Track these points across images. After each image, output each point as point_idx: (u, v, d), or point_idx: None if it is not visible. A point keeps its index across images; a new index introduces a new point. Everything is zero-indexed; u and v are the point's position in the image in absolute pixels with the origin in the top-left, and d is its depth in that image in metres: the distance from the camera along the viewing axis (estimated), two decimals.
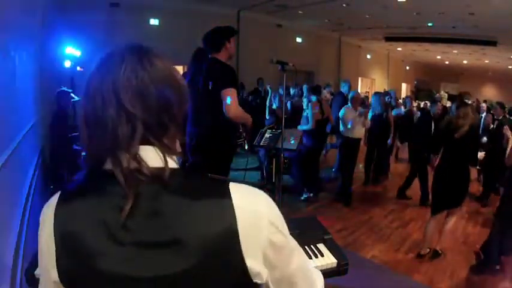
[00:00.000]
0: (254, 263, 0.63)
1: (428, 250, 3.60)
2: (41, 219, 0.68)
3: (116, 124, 0.61)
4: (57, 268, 0.64)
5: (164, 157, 0.63)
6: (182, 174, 0.65)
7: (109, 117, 0.62)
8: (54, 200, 0.67)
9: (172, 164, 0.64)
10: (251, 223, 0.63)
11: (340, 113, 5.25)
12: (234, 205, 0.63)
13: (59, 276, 0.64)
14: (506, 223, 3.26)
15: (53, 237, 0.64)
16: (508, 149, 3.58)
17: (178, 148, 0.70)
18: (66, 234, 0.63)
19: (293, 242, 0.72)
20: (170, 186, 0.61)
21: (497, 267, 3.34)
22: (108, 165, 0.63)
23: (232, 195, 0.64)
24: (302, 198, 5.19)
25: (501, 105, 6.33)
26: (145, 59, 0.66)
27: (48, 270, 0.66)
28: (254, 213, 0.64)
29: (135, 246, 0.60)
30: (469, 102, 3.36)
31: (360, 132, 5.29)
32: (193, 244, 0.59)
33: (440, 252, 3.60)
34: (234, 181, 0.67)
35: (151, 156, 0.63)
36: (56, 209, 0.65)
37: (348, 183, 5.30)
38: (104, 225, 0.60)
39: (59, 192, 0.68)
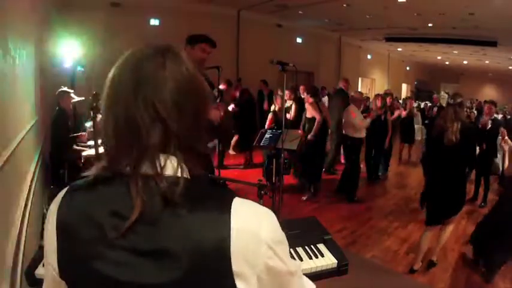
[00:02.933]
0: (245, 286, 0.61)
1: (421, 264, 3.41)
2: (48, 212, 0.69)
3: (149, 131, 0.60)
4: (57, 261, 0.65)
5: (180, 168, 0.62)
6: (187, 185, 0.62)
7: (143, 122, 0.60)
8: (62, 193, 0.68)
9: (180, 173, 0.63)
10: (247, 246, 0.60)
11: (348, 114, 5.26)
12: (231, 223, 0.60)
13: (58, 268, 0.65)
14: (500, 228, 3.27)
15: (55, 230, 0.65)
16: (506, 161, 3.59)
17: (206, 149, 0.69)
18: (66, 228, 0.64)
19: (292, 267, 0.68)
20: (173, 196, 0.59)
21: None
22: (123, 168, 0.62)
23: (232, 213, 0.61)
24: (304, 198, 5.20)
25: (494, 104, 6.17)
26: (184, 66, 0.65)
27: (48, 262, 0.68)
28: (252, 236, 0.61)
29: (126, 251, 0.59)
30: (452, 102, 3.24)
31: (364, 131, 5.32)
32: (182, 257, 0.58)
33: (435, 262, 3.47)
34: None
35: (167, 165, 0.62)
36: (60, 202, 0.66)
37: (356, 182, 5.36)
38: (101, 227, 0.60)
39: (66, 188, 0.69)
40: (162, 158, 0.61)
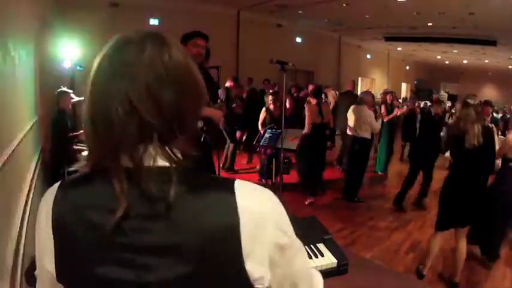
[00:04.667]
0: (255, 267, 0.59)
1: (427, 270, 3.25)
2: (38, 212, 0.66)
3: (124, 124, 0.57)
4: (54, 265, 0.63)
5: (168, 155, 0.60)
6: (184, 174, 0.60)
7: (117, 115, 0.57)
8: (52, 192, 0.65)
9: (172, 161, 0.60)
10: (255, 224, 0.59)
11: (368, 116, 5.20)
12: (238, 204, 0.59)
13: (55, 272, 0.63)
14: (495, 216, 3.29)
15: (51, 232, 0.62)
16: (497, 146, 3.56)
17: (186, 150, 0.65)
18: (63, 230, 0.61)
19: (297, 243, 0.69)
20: (170, 187, 0.57)
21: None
22: (108, 163, 0.59)
23: (236, 194, 0.60)
24: (306, 203, 5.15)
25: (490, 104, 6.12)
26: (166, 52, 0.61)
27: (43, 265, 0.65)
28: (259, 214, 0.60)
29: (131, 250, 0.57)
30: (472, 102, 3.05)
31: (369, 132, 5.31)
32: (191, 245, 0.57)
33: (458, 282, 3.15)
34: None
35: (153, 157, 0.59)
36: (53, 202, 0.63)
37: (359, 182, 5.38)
38: (98, 226, 0.58)
39: (57, 185, 0.65)
40: (143, 149, 0.59)
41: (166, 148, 0.60)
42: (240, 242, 0.58)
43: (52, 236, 0.62)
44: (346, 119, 5.53)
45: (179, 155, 0.62)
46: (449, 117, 7.60)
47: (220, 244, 0.58)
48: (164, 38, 0.63)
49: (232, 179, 0.63)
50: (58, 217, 0.62)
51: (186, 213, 0.58)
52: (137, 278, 0.58)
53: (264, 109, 5.64)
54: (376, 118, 5.32)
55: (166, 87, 0.60)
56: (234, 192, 0.60)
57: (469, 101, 3.11)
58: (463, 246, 3.12)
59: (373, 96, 5.66)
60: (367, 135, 5.23)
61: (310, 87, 6.44)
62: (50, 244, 0.62)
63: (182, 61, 0.63)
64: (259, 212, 0.61)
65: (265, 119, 5.52)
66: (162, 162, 0.60)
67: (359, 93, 7.11)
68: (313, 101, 5.09)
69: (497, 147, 3.42)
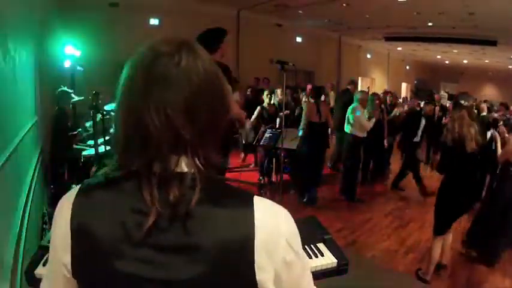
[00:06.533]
0: (265, 279, 0.62)
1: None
2: (57, 208, 0.67)
3: (160, 134, 0.59)
4: (71, 261, 0.64)
5: (194, 164, 0.62)
6: (205, 182, 0.62)
7: (153, 125, 0.59)
8: (74, 191, 0.66)
9: (195, 171, 0.62)
10: (269, 239, 0.62)
11: (352, 112, 5.22)
12: (255, 218, 0.62)
13: (71, 268, 0.64)
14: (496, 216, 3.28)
15: (69, 229, 0.63)
16: (499, 148, 3.55)
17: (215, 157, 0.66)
18: (82, 228, 0.62)
19: (305, 262, 0.70)
20: (194, 192, 0.60)
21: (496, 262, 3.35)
22: (140, 169, 0.61)
23: (255, 209, 0.63)
24: (304, 201, 5.15)
25: (505, 105, 6.06)
26: (200, 64, 0.63)
27: (59, 261, 0.65)
28: (273, 230, 0.63)
29: (152, 249, 0.59)
30: (465, 103, 3.06)
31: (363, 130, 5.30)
32: (208, 250, 0.59)
33: (445, 263, 3.33)
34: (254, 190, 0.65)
35: (183, 165, 0.62)
36: (74, 201, 0.64)
37: (355, 179, 5.40)
38: (122, 225, 0.60)
39: (79, 186, 0.67)
40: (174, 157, 0.61)
41: (196, 158, 0.62)
42: (254, 254, 0.61)
43: (70, 233, 0.63)
44: (342, 118, 5.60)
45: (205, 163, 0.64)
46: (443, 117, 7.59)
47: (233, 253, 0.60)
48: (196, 49, 0.65)
49: (252, 193, 0.66)
50: (79, 216, 0.63)
51: (204, 220, 0.60)
52: (153, 275, 0.59)
53: (259, 107, 5.76)
54: (370, 117, 5.32)
55: (201, 99, 0.62)
56: (253, 207, 0.63)
57: (462, 102, 3.03)
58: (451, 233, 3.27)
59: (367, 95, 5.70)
60: (360, 134, 5.24)
61: (309, 87, 6.48)
62: (67, 242, 0.63)
63: (213, 72, 0.65)
64: (274, 228, 0.64)
65: (260, 115, 5.58)
66: (190, 170, 0.62)
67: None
68: (311, 100, 5.12)
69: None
